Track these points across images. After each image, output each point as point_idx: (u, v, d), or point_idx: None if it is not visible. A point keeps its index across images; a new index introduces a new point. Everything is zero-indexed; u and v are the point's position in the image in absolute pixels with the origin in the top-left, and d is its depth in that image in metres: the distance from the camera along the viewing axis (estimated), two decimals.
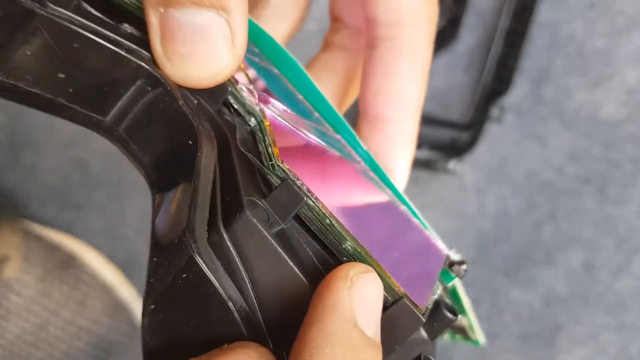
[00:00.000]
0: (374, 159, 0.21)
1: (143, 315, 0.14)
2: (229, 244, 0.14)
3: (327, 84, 0.23)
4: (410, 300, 0.16)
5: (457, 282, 0.20)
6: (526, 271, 0.48)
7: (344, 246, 0.15)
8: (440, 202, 0.48)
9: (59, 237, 0.47)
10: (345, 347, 0.13)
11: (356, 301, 0.14)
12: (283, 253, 0.14)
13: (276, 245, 0.14)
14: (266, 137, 0.16)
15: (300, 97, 0.20)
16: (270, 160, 0.15)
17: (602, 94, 0.47)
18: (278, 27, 0.23)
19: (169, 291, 0.14)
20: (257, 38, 0.20)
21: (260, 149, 0.16)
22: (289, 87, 0.20)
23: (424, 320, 0.16)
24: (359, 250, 0.15)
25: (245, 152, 0.15)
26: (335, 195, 0.18)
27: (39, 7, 0.14)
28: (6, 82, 0.14)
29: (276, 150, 0.15)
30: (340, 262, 0.15)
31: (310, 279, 0.15)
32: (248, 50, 0.19)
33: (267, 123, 0.16)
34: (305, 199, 0.15)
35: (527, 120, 0.47)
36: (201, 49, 0.15)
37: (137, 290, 0.48)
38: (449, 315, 0.18)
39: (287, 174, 0.15)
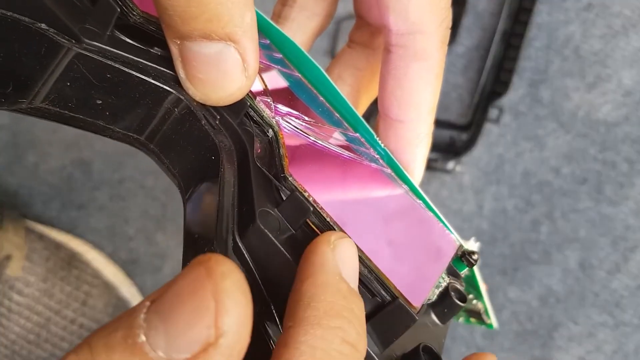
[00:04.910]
0: (391, 156, 0.22)
1: None
2: (243, 250, 0.16)
3: (349, 78, 0.24)
4: (406, 300, 0.17)
5: (475, 269, 0.21)
6: (523, 270, 0.48)
7: None
8: (439, 201, 0.48)
9: (61, 236, 0.48)
10: (337, 295, 0.15)
11: (339, 259, 0.16)
12: (290, 257, 0.16)
13: (284, 251, 0.16)
14: (280, 149, 0.18)
15: (321, 99, 0.21)
16: (282, 173, 0.17)
17: (599, 95, 0.47)
18: (307, 23, 0.24)
19: None
20: (279, 44, 0.20)
21: (277, 160, 0.17)
22: (311, 90, 0.21)
23: (417, 318, 0.17)
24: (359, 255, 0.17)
25: (260, 167, 0.17)
26: (354, 192, 0.20)
27: (74, 43, 0.16)
28: (52, 110, 0.16)
29: (286, 163, 0.17)
30: None
31: None
32: (271, 58, 0.20)
33: (281, 135, 0.17)
34: (311, 209, 0.17)
35: (524, 121, 0.48)
36: (216, 74, 0.17)
37: (138, 289, 0.48)
38: (457, 302, 0.20)
39: (295, 186, 0.17)
